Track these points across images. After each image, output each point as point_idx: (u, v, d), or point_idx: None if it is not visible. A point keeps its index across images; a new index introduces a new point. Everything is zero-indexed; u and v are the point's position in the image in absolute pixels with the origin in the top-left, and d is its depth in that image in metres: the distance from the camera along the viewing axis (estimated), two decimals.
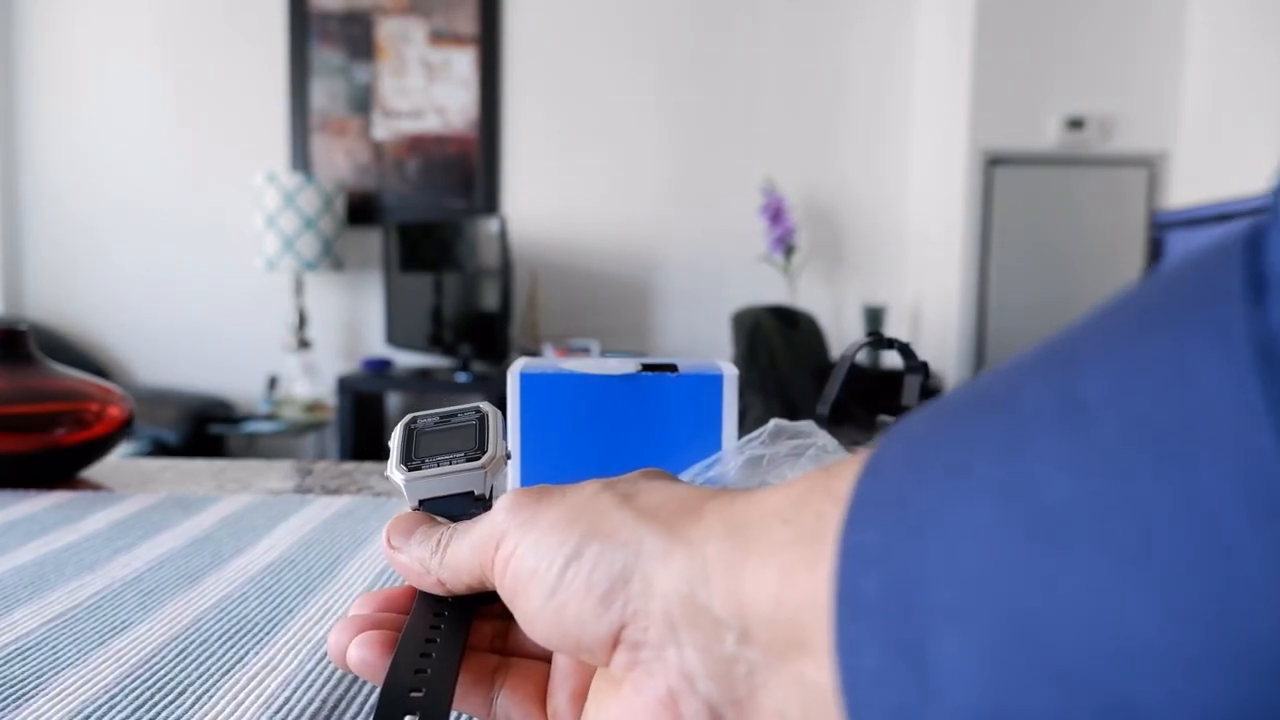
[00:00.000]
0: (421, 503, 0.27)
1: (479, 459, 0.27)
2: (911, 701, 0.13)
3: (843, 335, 2.89)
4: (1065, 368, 0.13)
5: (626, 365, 0.42)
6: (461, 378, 2.58)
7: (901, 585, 0.14)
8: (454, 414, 0.30)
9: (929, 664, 0.13)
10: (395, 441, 0.29)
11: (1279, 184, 0.12)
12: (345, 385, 2.67)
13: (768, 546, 0.17)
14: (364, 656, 0.24)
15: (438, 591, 0.25)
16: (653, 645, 0.19)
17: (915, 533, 0.14)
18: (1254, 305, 0.11)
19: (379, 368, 2.79)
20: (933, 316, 2.82)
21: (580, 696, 0.23)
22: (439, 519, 0.26)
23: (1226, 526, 0.10)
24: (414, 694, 0.22)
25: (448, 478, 0.27)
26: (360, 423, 2.68)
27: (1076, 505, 0.12)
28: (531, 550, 0.21)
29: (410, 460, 0.28)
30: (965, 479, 0.14)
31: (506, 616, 0.27)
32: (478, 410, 0.30)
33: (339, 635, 0.24)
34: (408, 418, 0.30)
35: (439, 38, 2.93)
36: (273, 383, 2.86)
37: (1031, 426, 0.13)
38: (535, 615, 0.21)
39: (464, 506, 0.27)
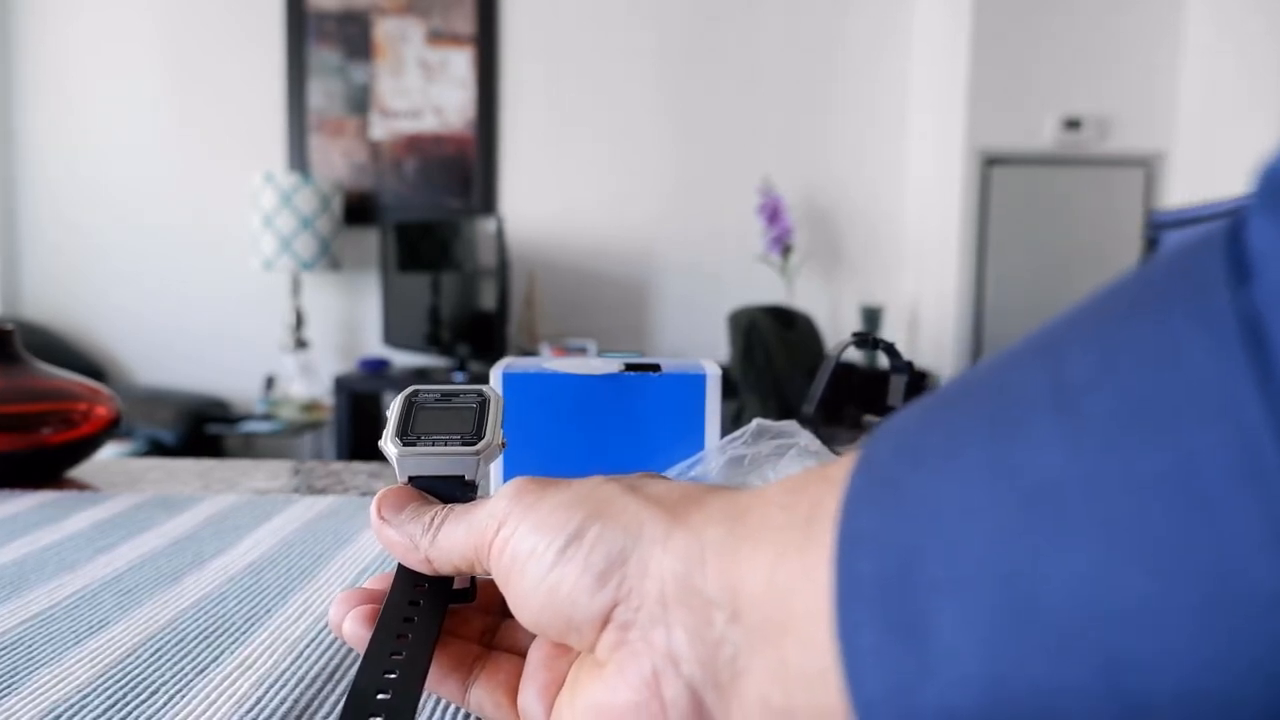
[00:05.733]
0: (411, 479, 0.27)
1: (475, 444, 0.27)
2: (910, 676, 0.14)
3: (840, 336, 2.89)
4: (1054, 352, 0.14)
5: (609, 365, 0.42)
6: (459, 378, 2.58)
7: (898, 565, 0.14)
8: (456, 394, 0.30)
9: (928, 639, 0.13)
10: (394, 412, 0.29)
11: (1258, 175, 0.13)
12: (342, 385, 2.67)
13: (763, 530, 0.18)
14: (356, 631, 0.25)
15: (424, 570, 0.25)
16: (641, 626, 0.19)
17: (909, 514, 0.14)
18: (1237, 288, 0.12)
19: (376, 368, 2.79)
20: (930, 316, 2.82)
21: (550, 689, 0.23)
22: (430, 498, 0.26)
23: (1218, 489, 0.11)
24: (381, 695, 0.22)
25: (441, 458, 0.27)
26: (357, 423, 2.68)
27: (1068, 478, 0.12)
28: (532, 531, 0.21)
29: (406, 435, 0.28)
30: (956, 460, 0.14)
31: (498, 614, 0.27)
32: (480, 394, 0.30)
33: (339, 607, 0.25)
34: (409, 390, 0.30)
35: (437, 37, 2.93)
36: (270, 383, 2.86)
37: (1021, 407, 0.14)
38: (529, 593, 0.21)
39: (453, 489, 0.27)
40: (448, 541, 0.24)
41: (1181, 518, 0.11)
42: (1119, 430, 0.12)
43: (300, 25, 2.93)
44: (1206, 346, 0.12)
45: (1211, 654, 0.11)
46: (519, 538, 0.21)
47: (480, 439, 0.28)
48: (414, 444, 0.27)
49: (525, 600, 0.21)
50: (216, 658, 0.31)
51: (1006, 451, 0.13)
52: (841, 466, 0.17)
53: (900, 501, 0.15)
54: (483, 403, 0.29)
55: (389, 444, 0.28)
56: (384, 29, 2.94)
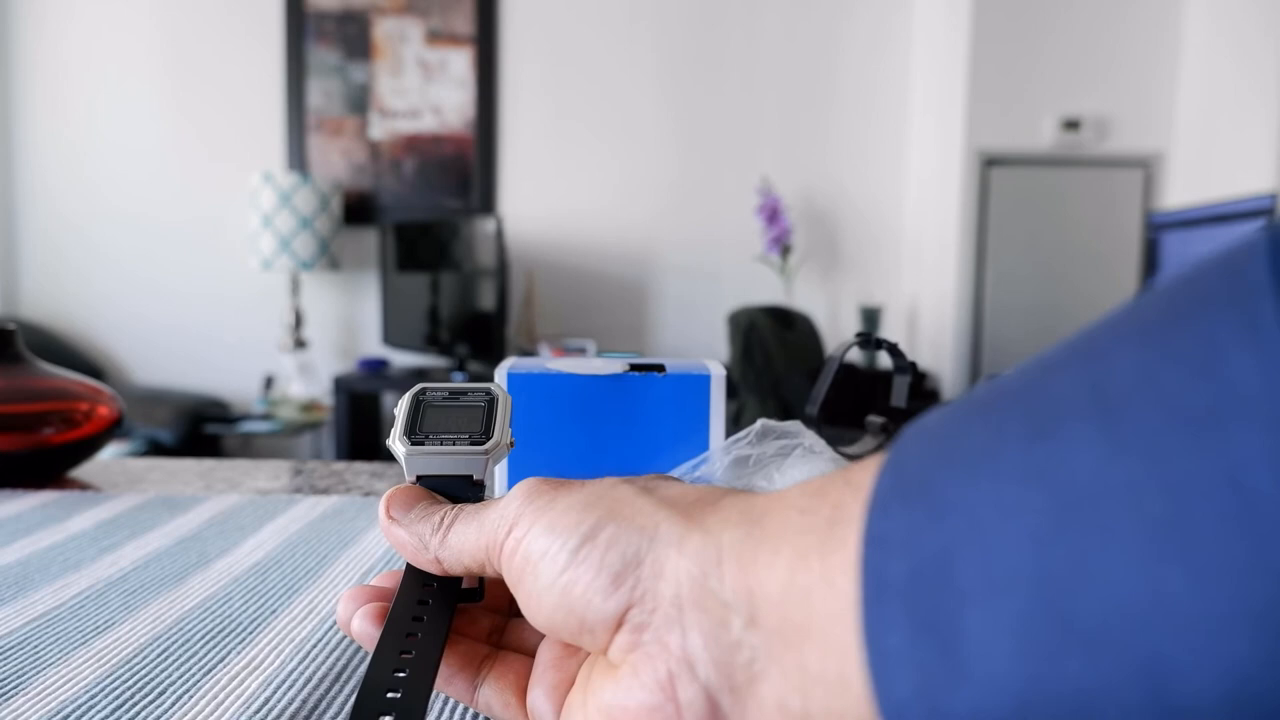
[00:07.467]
0: (419, 478, 0.27)
1: (483, 444, 0.27)
2: (940, 677, 0.14)
3: (838, 336, 2.89)
4: (1093, 358, 0.14)
5: (614, 365, 0.42)
6: (458, 378, 2.58)
7: (929, 566, 0.14)
8: (464, 392, 0.30)
9: (960, 640, 0.13)
10: (402, 410, 0.29)
11: None
12: (341, 385, 2.67)
13: (782, 534, 0.18)
14: (365, 629, 0.25)
15: (433, 570, 0.25)
16: (656, 628, 0.19)
17: (940, 515, 0.14)
18: None
19: (375, 368, 2.79)
20: (929, 317, 2.82)
21: (559, 690, 0.23)
22: (439, 497, 0.26)
23: (1259, 493, 0.11)
24: (391, 694, 0.22)
25: (449, 458, 0.27)
26: (356, 423, 2.68)
27: (1108, 481, 0.12)
28: (545, 531, 0.21)
29: (414, 433, 0.28)
30: (991, 462, 0.14)
31: (506, 613, 0.27)
32: (488, 393, 0.30)
33: (347, 604, 0.25)
34: (418, 388, 0.30)
35: (436, 37, 2.93)
36: (269, 382, 2.85)
37: (1059, 412, 0.14)
38: (541, 594, 0.21)
39: (461, 488, 0.27)
40: (458, 542, 0.24)
41: (1224, 521, 0.11)
42: (1161, 434, 0.12)
43: (299, 25, 2.92)
44: (1251, 353, 0.12)
45: (1255, 657, 0.11)
46: (531, 539, 0.21)
47: (489, 438, 0.27)
48: (422, 443, 0.27)
49: (538, 601, 0.21)
50: (224, 658, 0.31)
51: (1044, 454, 0.13)
52: (864, 471, 0.17)
53: (931, 503, 0.15)
54: (491, 401, 0.29)
55: (397, 442, 0.27)
56: (383, 29, 2.93)
